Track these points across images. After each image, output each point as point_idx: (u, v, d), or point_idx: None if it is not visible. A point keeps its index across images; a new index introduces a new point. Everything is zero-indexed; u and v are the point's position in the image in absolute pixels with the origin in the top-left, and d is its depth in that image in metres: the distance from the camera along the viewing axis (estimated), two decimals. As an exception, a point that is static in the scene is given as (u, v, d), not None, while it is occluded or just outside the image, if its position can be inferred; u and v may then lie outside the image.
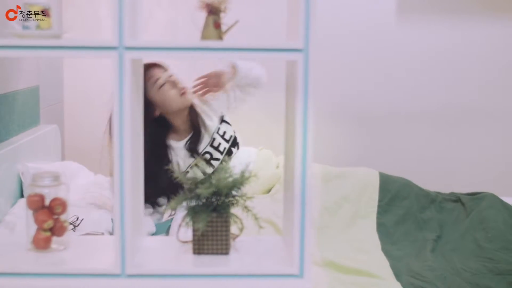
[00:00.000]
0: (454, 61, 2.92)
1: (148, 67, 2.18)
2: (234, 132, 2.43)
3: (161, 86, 2.22)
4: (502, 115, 2.96)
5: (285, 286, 1.21)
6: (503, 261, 1.98)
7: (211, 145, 2.35)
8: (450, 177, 2.97)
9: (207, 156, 2.34)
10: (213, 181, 1.25)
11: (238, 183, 1.28)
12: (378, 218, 2.23)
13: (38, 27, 1.20)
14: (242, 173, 1.28)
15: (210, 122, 2.37)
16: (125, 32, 1.14)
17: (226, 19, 1.23)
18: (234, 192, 1.29)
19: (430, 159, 2.98)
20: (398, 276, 1.86)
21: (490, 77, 2.94)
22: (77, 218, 1.89)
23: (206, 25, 1.23)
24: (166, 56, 1.15)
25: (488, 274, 1.92)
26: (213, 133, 2.35)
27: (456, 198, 2.37)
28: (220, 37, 1.23)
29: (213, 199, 1.26)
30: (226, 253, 1.27)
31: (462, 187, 2.80)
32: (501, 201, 2.27)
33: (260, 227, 1.31)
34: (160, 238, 1.64)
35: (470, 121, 2.95)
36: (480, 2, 2.86)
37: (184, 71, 2.87)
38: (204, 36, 1.22)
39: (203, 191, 1.23)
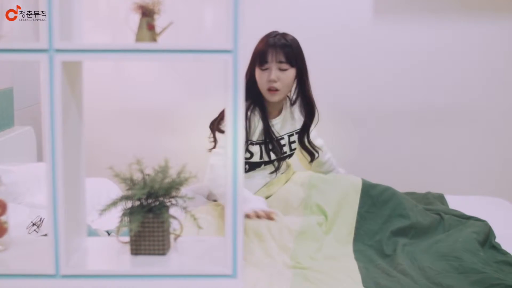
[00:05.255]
0: (432, 60, 2.91)
1: None
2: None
3: None
4: (481, 114, 2.95)
5: (219, 286, 1.22)
6: (469, 260, 1.96)
7: None
8: (427, 176, 2.97)
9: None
10: (148, 182, 1.25)
11: (175, 184, 1.29)
12: (357, 222, 2.22)
13: (-28, 30, 1.22)
14: (179, 174, 1.29)
15: None
16: (55, 35, 1.15)
17: (159, 21, 1.24)
18: (174, 193, 1.30)
19: (408, 158, 2.97)
20: (364, 280, 1.86)
21: (468, 76, 2.92)
22: (40, 219, 1.91)
23: (140, 27, 1.23)
24: (98, 58, 1.16)
25: (452, 273, 1.91)
26: None
27: (437, 213, 2.35)
28: (154, 39, 1.23)
29: (150, 200, 1.27)
30: (163, 253, 1.28)
31: (439, 187, 2.79)
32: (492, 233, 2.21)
33: (199, 227, 1.32)
34: (102, 238, 1.65)
35: (447, 121, 2.94)
36: (457, 1, 2.84)
37: (165, 72, 2.89)
38: (138, 38, 1.23)
39: (136, 192, 1.24)
